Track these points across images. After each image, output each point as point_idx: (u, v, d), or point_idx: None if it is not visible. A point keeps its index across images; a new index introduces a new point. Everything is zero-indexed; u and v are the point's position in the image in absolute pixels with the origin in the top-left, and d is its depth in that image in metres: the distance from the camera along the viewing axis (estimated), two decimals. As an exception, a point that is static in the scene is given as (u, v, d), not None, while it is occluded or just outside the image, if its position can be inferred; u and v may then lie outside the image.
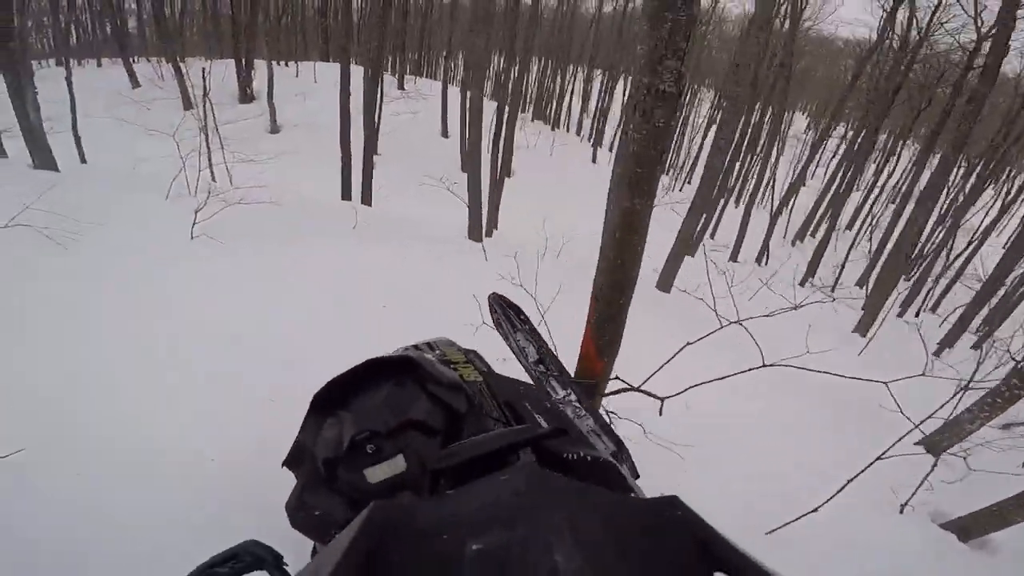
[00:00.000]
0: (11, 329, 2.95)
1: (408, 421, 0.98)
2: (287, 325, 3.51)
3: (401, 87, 21.52)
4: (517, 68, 12.63)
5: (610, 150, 25.34)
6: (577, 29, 27.57)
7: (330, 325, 3.64)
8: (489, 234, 9.33)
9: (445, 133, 18.61)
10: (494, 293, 1.95)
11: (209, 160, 8.64)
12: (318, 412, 1.08)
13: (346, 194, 10.12)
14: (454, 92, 19.38)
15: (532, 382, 1.50)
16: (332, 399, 1.07)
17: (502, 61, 14.74)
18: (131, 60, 20.03)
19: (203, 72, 11.19)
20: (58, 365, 2.72)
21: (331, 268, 4.74)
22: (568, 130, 26.86)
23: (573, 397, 1.44)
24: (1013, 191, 18.82)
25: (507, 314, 1.81)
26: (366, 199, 9.94)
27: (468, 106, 11.08)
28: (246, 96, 18.46)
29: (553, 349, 2.02)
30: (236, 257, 4.51)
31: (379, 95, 12.87)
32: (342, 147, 10.11)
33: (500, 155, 10.54)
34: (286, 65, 23.09)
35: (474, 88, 8.58)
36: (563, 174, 18.30)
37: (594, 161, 21.80)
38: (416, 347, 1.34)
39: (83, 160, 9.49)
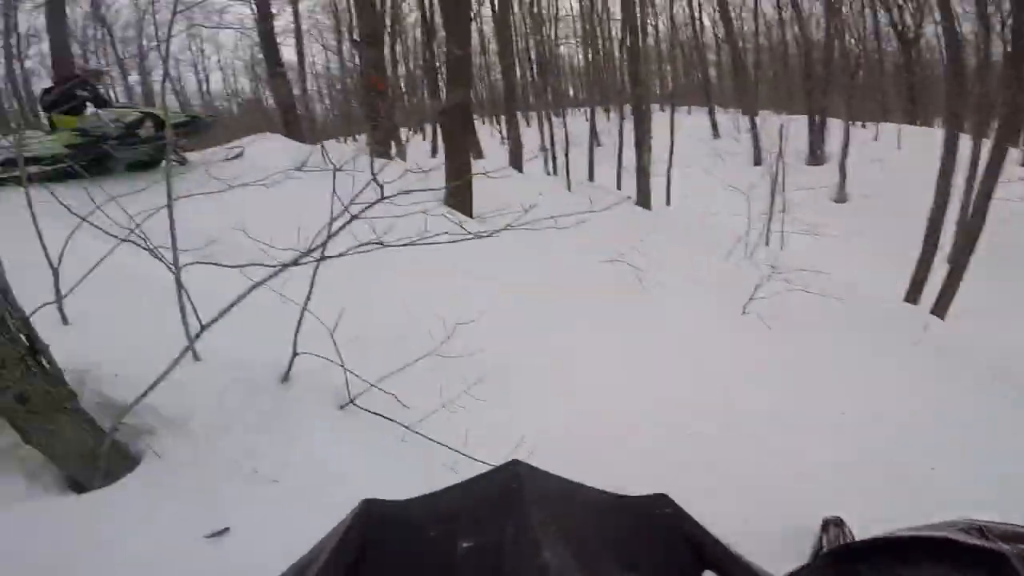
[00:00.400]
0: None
1: None
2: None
3: (1026, 163, 15.99)
4: None
5: None
6: None
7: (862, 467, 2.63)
8: None
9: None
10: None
11: (768, 226, 8.54)
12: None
13: (913, 295, 8.07)
14: None
15: None
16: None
17: None
18: (713, 110, 22.79)
19: (780, 130, 11.23)
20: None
21: (878, 386, 3.70)
22: None
23: None
24: None
25: None
26: (941, 308, 7.61)
27: None
28: (816, 158, 17.86)
29: None
30: (779, 345, 4.05)
31: (997, 173, 9.61)
32: (927, 235, 8.10)
33: None
34: (863, 126, 21.05)
35: None
36: None
37: None
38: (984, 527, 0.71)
39: (668, 202, 11.21)
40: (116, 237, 1.97)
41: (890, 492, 2.62)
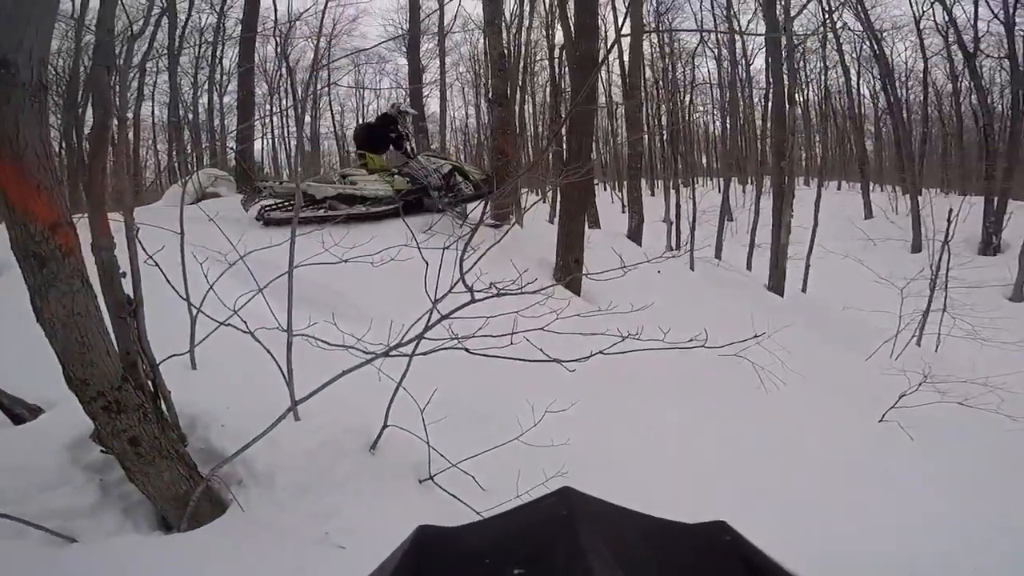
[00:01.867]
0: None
1: None
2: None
3: None
4: None
5: None
6: None
7: None
8: None
9: None
10: None
11: (922, 326, 7.40)
12: None
13: None
14: None
15: None
16: None
17: None
18: (868, 187, 20.74)
19: (949, 214, 9.80)
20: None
21: None
22: None
23: None
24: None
25: None
26: None
27: None
28: (989, 247, 15.35)
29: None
30: (921, 459, 3.37)
31: None
32: None
33: None
34: (1054, 211, 17.69)
35: None
36: None
37: None
38: None
39: (804, 289, 10.26)
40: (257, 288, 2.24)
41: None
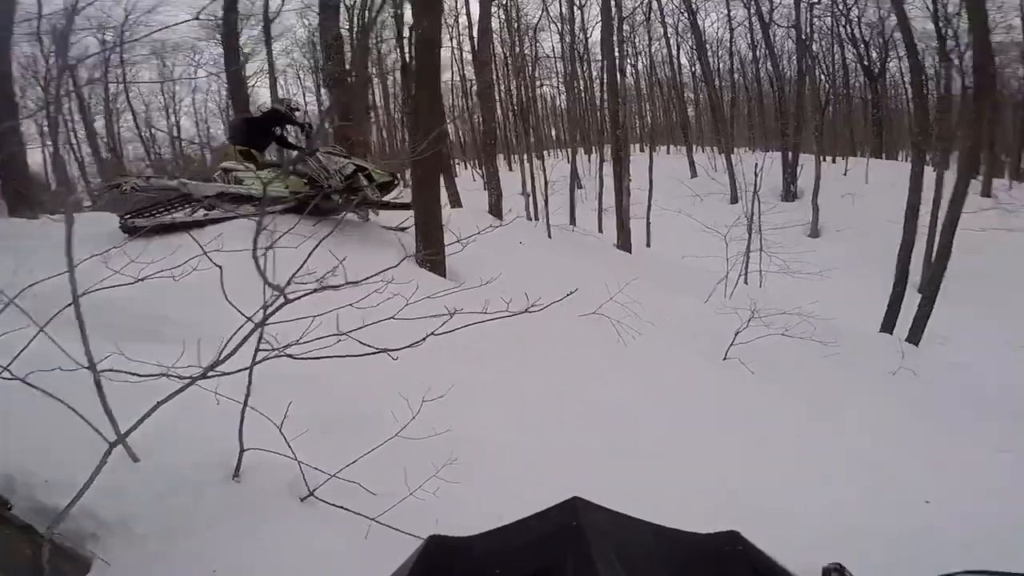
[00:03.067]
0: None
1: None
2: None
3: (988, 194, 16.55)
4: None
5: None
6: None
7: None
8: None
9: (1061, 262, 12.94)
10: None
11: (746, 266, 8.63)
12: None
13: (889, 325, 8.16)
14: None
15: None
16: None
17: None
18: (691, 149, 23.43)
19: (756, 168, 11.52)
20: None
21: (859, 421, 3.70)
22: None
23: None
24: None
25: None
26: (915, 336, 7.69)
27: None
28: (789, 194, 18.35)
29: None
30: (762, 388, 4.01)
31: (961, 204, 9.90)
32: (898, 266, 8.24)
33: None
34: (833, 162, 21.75)
35: None
36: None
37: None
38: None
39: (648, 244, 11.31)
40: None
41: (884, 531, 2.55)
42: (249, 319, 1.74)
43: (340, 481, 2.02)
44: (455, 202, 10.50)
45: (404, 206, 5.06)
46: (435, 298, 2.19)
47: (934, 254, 11.40)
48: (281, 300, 1.65)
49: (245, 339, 1.72)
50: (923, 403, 4.76)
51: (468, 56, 21.94)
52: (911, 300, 8.28)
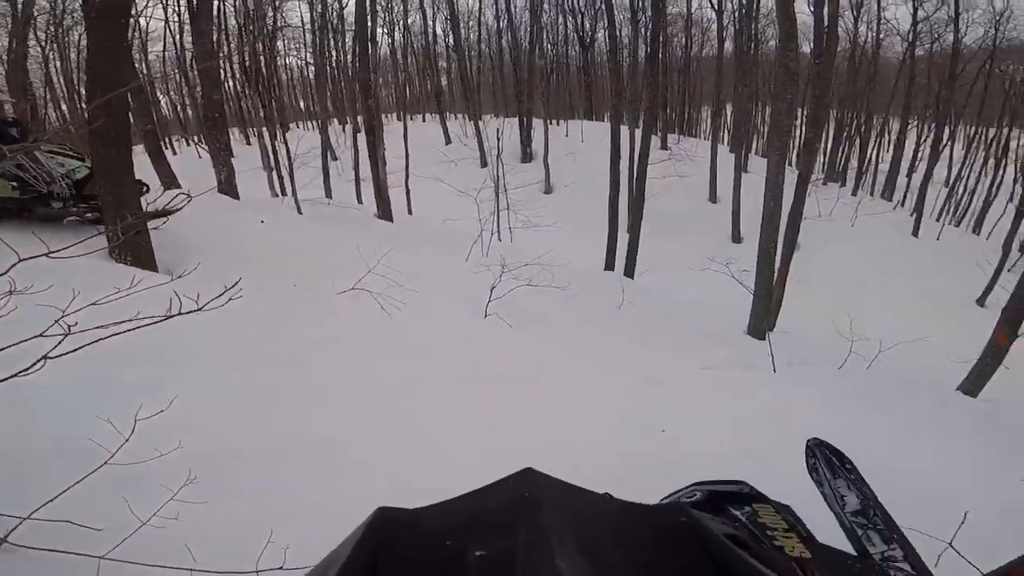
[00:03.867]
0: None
1: None
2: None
3: (664, 147, 21.22)
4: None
5: (937, 220, 20.34)
6: (881, 75, 23.62)
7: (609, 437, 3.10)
8: (772, 327, 7.85)
9: (713, 198, 17.51)
10: (815, 439, 1.54)
11: (498, 223, 9.44)
12: None
13: (610, 264, 10.00)
14: (724, 152, 18.19)
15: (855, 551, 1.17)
16: None
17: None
18: (445, 116, 24.24)
19: (498, 132, 12.62)
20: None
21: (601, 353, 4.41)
22: (873, 195, 22.70)
23: (899, 553, 1.11)
24: None
25: (829, 460, 1.51)
26: (629, 270, 9.65)
27: (767, 177, 9.63)
28: (526, 155, 20.48)
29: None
30: (521, 338, 4.54)
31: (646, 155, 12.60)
32: (610, 213, 10.07)
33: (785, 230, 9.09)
34: (557, 124, 24.94)
35: (774, 154, 7.41)
36: (870, 252, 15.20)
37: (915, 234, 17.75)
38: (714, 492, 1.00)
39: (410, 212, 11.41)
40: None
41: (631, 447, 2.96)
42: None
43: (43, 523, 1.64)
44: (169, 183, 8.90)
45: (165, 213, 4.30)
46: (132, 294, 1.87)
47: (632, 201, 14.41)
48: None
49: None
50: (643, 331, 5.95)
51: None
52: (624, 240, 10.27)
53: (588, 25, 25.23)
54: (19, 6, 11.44)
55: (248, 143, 20.09)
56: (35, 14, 14.50)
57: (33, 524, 1.63)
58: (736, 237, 15.52)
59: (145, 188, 4.52)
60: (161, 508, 1.80)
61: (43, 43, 20.49)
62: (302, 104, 34.21)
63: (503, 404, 3.28)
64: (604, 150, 15.14)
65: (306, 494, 2.14)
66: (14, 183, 3.96)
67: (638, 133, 12.62)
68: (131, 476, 1.85)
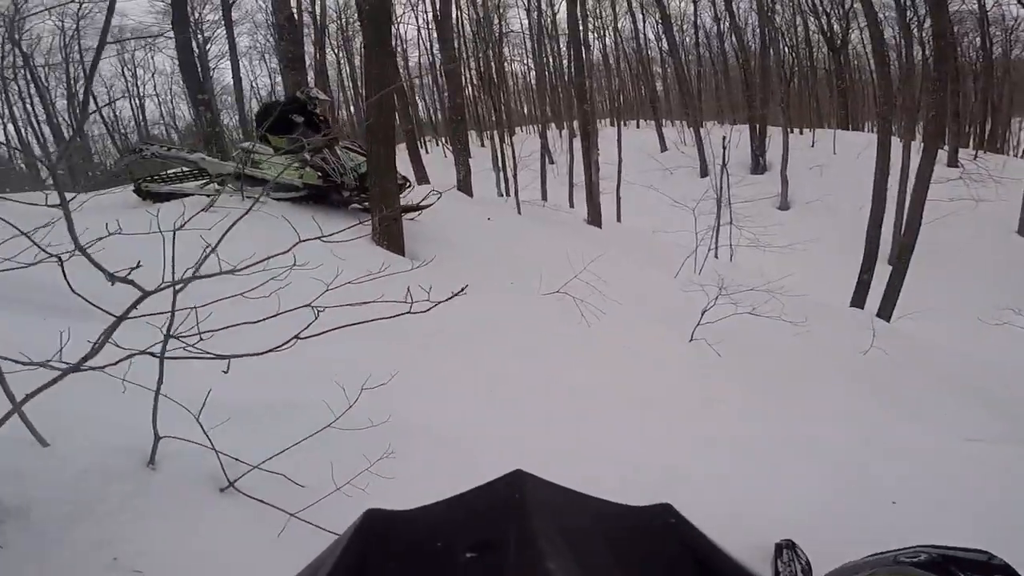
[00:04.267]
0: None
1: None
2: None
3: (954, 163, 16.86)
4: None
5: None
6: None
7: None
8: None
9: (1024, 231, 13.29)
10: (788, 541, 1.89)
11: (716, 239, 8.58)
12: None
13: (859, 300, 8.24)
14: (1048, 174, 13.70)
15: None
16: None
17: None
18: (661, 123, 23.34)
19: (723, 141, 11.46)
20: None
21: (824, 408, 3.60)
22: None
23: None
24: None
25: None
26: (886, 311, 7.79)
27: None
28: (758, 167, 18.41)
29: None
30: (728, 372, 3.91)
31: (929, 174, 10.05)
32: (868, 236, 8.29)
33: None
34: (800, 133, 21.88)
35: None
36: None
37: None
38: (946, 555, 0.94)
39: (619, 219, 11.19)
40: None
41: (847, 518, 2.47)
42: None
43: (265, 473, 1.84)
44: (422, 179, 10.18)
45: (418, 208, 4.95)
46: (378, 278, 1.99)
47: (903, 225, 11.63)
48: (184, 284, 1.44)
49: (115, 326, 1.49)
50: (892, 387, 4.71)
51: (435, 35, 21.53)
52: (882, 271, 8.36)
53: (837, 26, 21.84)
54: (317, 17, 14.27)
55: (482, 145, 22.21)
56: (328, 23, 18.14)
57: (256, 473, 1.80)
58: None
59: (408, 184, 5.12)
60: (356, 477, 1.88)
61: (335, 50, 25.65)
62: (525, 109, 36.60)
63: (690, 444, 2.88)
64: (861, 165, 12.70)
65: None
66: (319, 172, 4.68)
67: (915, 146, 10.23)
68: (343, 440, 1.98)
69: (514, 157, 10.15)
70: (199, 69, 10.29)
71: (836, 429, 3.48)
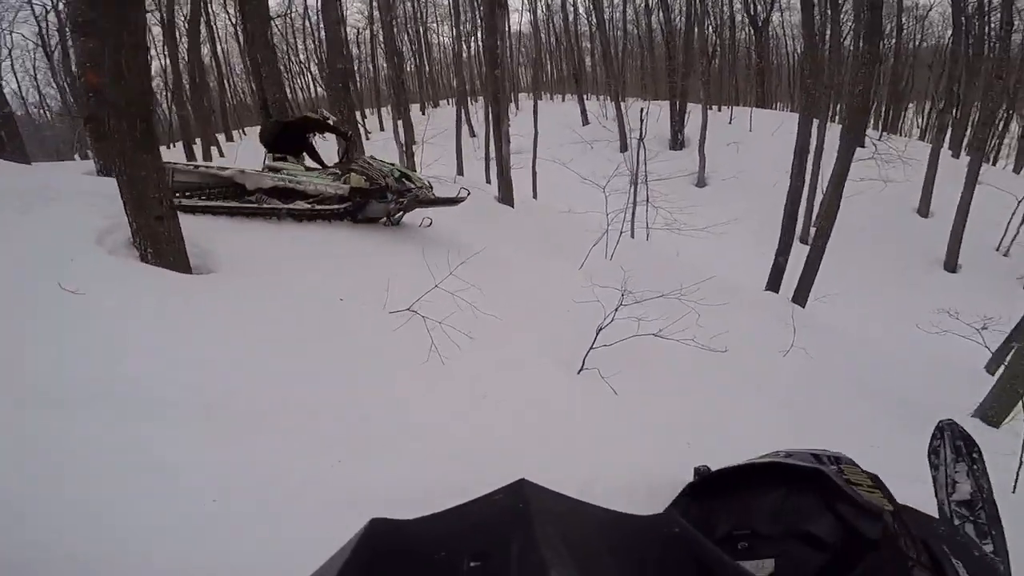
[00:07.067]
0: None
1: (799, 532, 0.99)
2: None
3: (862, 144, 17.15)
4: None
5: None
6: None
7: None
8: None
9: (925, 212, 13.67)
10: (948, 419, 1.75)
11: (633, 219, 7.77)
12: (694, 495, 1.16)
13: (774, 284, 7.74)
14: (946, 157, 14.18)
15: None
16: (713, 487, 1.15)
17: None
18: (583, 96, 22.56)
19: (641, 113, 10.71)
20: None
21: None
22: None
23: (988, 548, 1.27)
24: None
25: (955, 444, 1.67)
26: (800, 297, 7.33)
27: None
28: (677, 142, 17.99)
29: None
30: (623, 415, 2.99)
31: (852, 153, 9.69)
32: (786, 214, 7.77)
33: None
34: (719, 110, 21.85)
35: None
36: None
37: None
38: (816, 456, 1.23)
39: (535, 196, 10.17)
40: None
41: None
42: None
43: None
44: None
45: (453, 201, 5.09)
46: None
47: (815, 203, 11.46)
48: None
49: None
50: (811, 409, 4.00)
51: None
52: (796, 251, 7.94)
53: (760, 6, 22.06)
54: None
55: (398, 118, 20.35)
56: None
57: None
58: (951, 265, 11.86)
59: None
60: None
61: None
62: (455, 81, 34.70)
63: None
64: (777, 141, 12.39)
65: None
66: (364, 177, 4.77)
67: (831, 125, 9.92)
68: None
69: (410, 131, 8.82)
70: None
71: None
